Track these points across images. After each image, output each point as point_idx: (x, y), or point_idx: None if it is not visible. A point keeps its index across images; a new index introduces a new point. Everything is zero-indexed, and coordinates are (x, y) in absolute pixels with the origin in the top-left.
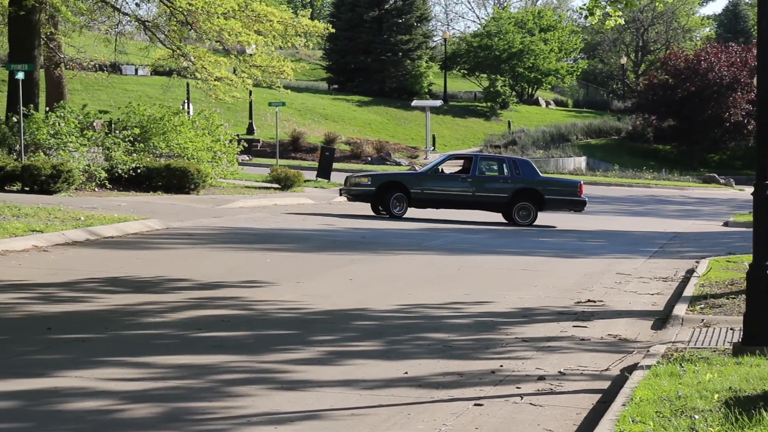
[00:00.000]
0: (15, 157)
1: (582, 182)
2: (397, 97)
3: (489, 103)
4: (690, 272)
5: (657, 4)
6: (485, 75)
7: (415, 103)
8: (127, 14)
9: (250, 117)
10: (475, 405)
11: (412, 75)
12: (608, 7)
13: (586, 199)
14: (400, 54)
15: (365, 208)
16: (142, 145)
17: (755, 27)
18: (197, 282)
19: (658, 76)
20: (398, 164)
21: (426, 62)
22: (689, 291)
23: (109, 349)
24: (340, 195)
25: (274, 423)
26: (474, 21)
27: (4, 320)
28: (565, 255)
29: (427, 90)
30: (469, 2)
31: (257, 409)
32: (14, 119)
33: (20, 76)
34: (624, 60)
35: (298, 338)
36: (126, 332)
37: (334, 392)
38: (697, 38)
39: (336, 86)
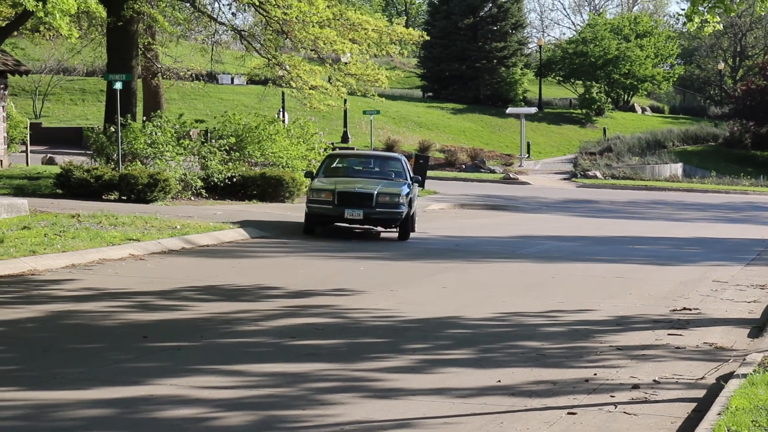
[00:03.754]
0: (113, 166)
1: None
2: (491, 105)
3: (584, 110)
4: None
5: (758, 7)
6: (580, 82)
7: (509, 110)
8: (223, 24)
9: (345, 125)
10: (569, 414)
11: (507, 82)
12: (707, 13)
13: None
14: (495, 61)
15: (460, 215)
16: (237, 153)
17: None
18: (291, 290)
19: (756, 82)
20: (493, 171)
21: (521, 69)
22: None
23: (204, 358)
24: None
25: (367, 431)
26: (569, 27)
27: (102, 328)
28: (660, 262)
29: (521, 97)
30: (564, 9)
31: (350, 417)
32: (112, 129)
33: (118, 86)
34: (721, 65)
35: (391, 346)
36: (220, 340)
37: (427, 400)
38: None
39: (430, 94)
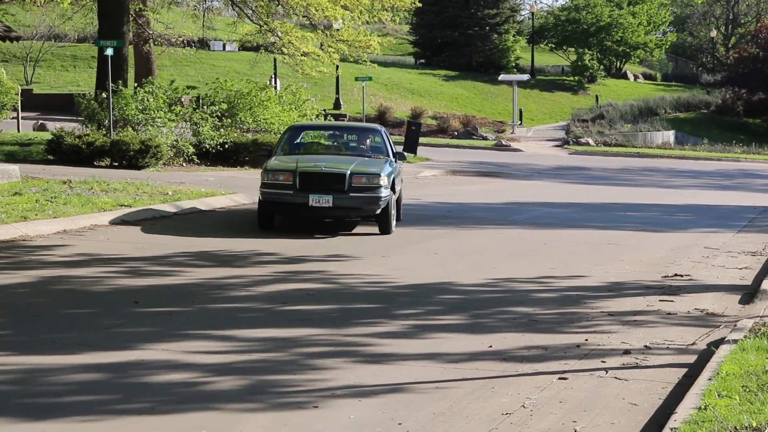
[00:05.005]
0: (104, 132)
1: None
2: (484, 72)
3: (576, 77)
4: None
5: None
6: (573, 49)
7: (502, 77)
8: None
9: (337, 92)
10: (560, 379)
11: (500, 49)
12: None
13: None
14: (487, 28)
15: (452, 181)
16: (229, 120)
17: None
18: (283, 256)
19: (749, 49)
20: (485, 138)
21: (513, 36)
22: None
23: (195, 323)
24: None
25: (358, 395)
26: None
27: (93, 294)
28: (652, 229)
29: (514, 64)
30: None
31: (341, 381)
32: (103, 95)
33: (109, 52)
34: (714, 33)
35: (383, 312)
36: (212, 306)
37: (418, 365)
38: None
39: (423, 61)
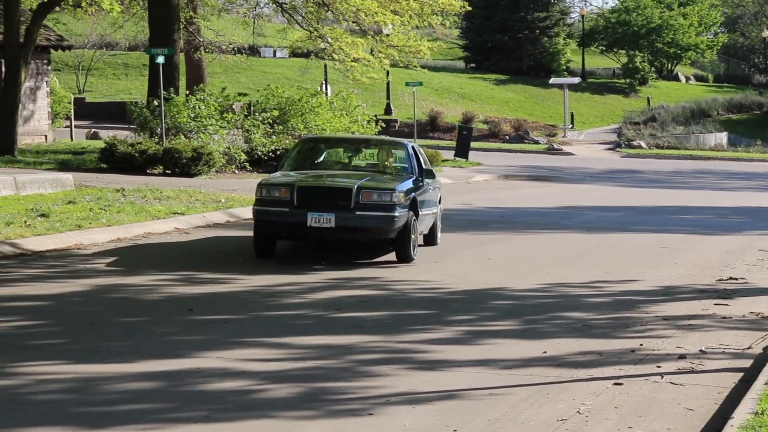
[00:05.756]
0: (156, 140)
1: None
2: (534, 75)
3: (627, 80)
4: None
5: None
6: (623, 51)
7: (552, 80)
8: None
9: (388, 97)
10: (615, 384)
11: (550, 52)
12: None
13: None
14: (537, 31)
15: (504, 186)
16: (280, 126)
17: None
18: (335, 262)
19: None
20: (536, 142)
21: (563, 39)
22: None
23: (249, 330)
24: None
25: (412, 402)
26: None
27: (147, 302)
28: (706, 232)
29: (564, 67)
30: None
31: (395, 388)
32: (155, 103)
33: (160, 60)
34: (765, 33)
35: (436, 318)
36: (265, 313)
37: (472, 372)
38: None
39: (473, 65)
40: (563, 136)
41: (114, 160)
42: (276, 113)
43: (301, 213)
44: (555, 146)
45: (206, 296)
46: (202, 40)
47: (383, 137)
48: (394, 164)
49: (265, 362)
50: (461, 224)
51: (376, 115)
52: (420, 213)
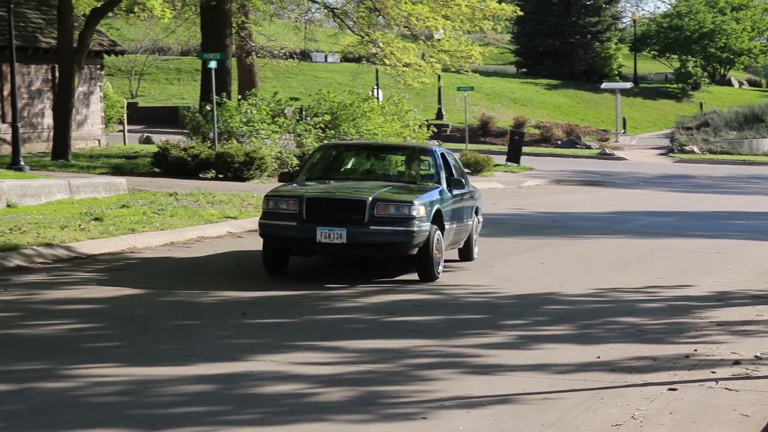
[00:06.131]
0: (209, 144)
1: None
2: (586, 80)
3: (680, 85)
4: None
5: None
6: (676, 56)
7: (604, 85)
8: (316, 2)
9: (439, 102)
10: (669, 389)
11: (602, 57)
12: None
13: None
14: (589, 36)
15: (556, 191)
16: (332, 131)
17: None
18: (388, 266)
19: None
20: (588, 147)
21: (615, 44)
22: None
23: (303, 334)
24: None
25: (466, 407)
26: (663, 1)
27: (201, 305)
28: (760, 237)
29: (616, 72)
30: None
31: (449, 392)
32: (207, 108)
33: (213, 65)
34: None
35: (489, 322)
36: (319, 317)
37: (526, 376)
38: None
39: (524, 70)
40: (615, 141)
41: (167, 165)
42: (327, 118)
43: (309, 227)
44: (607, 151)
45: (259, 300)
46: (253, 44)
47: (409, 143)
48: (421, 172)
49: (318, 366)
50: (514, 229)
51: (427, 120)
52: (446, 226)
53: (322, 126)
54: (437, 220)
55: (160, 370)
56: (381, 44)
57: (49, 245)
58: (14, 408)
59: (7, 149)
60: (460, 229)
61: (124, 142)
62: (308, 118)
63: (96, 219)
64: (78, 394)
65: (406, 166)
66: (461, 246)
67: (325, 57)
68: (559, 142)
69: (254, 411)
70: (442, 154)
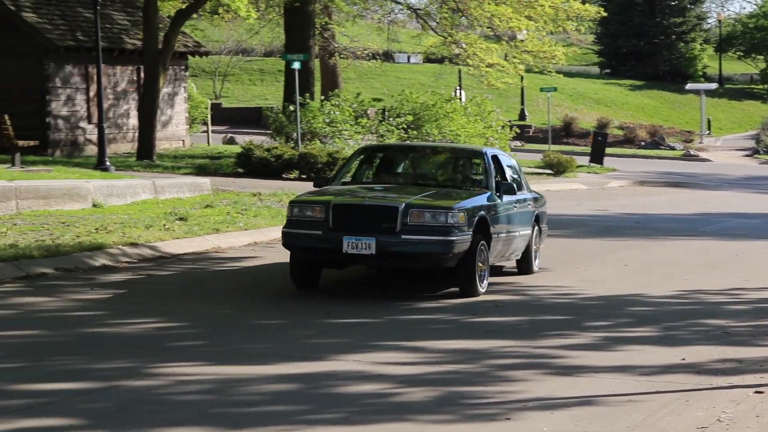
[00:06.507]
0: (292, 145)
1: None
2: (670, 81)
3: (766, 85)
4: None
5: None
6: (762, 56)
7: (689, 86)
8: (399, 3)
9: (522, 103)
10: (756, 392)
11: (686, 58)
12: None
13: None
14: (674, 37)
15: (640, 192)
16: (415, 132)
17: None
18: None
19: None
20: (672, 148)
21: (700, 44)
22: None
23: (385, 334)
24: None
25: (550, 408)
26: (749, 1)
27: (284, 305)
28: None
29: (701, 73)
30: None
31: (532, 393)
32: (291, 108)
33: (296, 66)
34: None
35: (573, 324)
36: (401, 317)
37: (610, 378)
38: None
39: (608, 70)
40: (700, 142)
41: (250, 165)
42: (410, 118)
43: (336, 237)
44: (691, 152)
45: (342, 300)
46: (336, 45)
47: (457, 144)
48: (470, 176)
49: (401, 366)
50: (597, 230)
51: (510, 121)
52: (493, 236)
53: (405, 127)
54: (482, 228)
55: (244, 369)
56: (464, 45)
57: (134, 245)
58: (101, 406)
59: (93, 150)
60: (512, 239)
61: (208, 143)
62: (391, 119)
63: (180, 219)
64: (163, 393)
65: (452, 170)
66: (519, 257)
67: (408, 58)
68: (643, 144)
69: (337, 410)
70: (494, 157)
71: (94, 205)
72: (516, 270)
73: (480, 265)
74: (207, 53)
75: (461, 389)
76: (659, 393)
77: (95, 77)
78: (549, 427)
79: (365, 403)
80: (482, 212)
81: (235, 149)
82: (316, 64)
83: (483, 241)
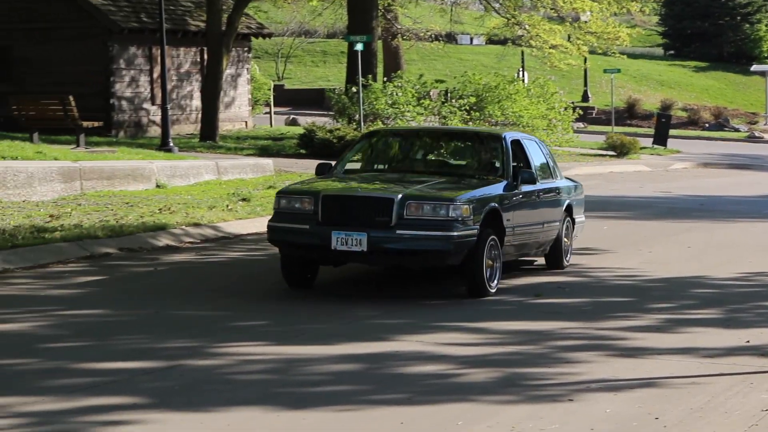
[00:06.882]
0: (354, 126)
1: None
2: (735, 62)
3: None
4: None
5: None
6: None
7: (754, 67)
8: None
9: (585, 84)
10: None
11: (751, 39)
12: None
13: None
14: (739, 18)
15: (704, 174)
16: (477, 113)
17: None
18: None
19: None
20: (737, 130)
21: (766, 25)
22: None
23: (448, 315)
24: None
25: (613, 389)
26: None
27: (346, 285)
28: None
29: (767, 54)
30: None
31: (595, 375)
32: (353, 90)
33: (359, 47)
34: None
35: (636, 305)
36: (464, 299)
37: (673, 360)
38: None
39: (672, 52)
40: (765, 124)
41: (312, 146)
42: (473, 100)
43: (324, 231)
44: (756, 134)
45: (404, 281)
46: (399, 27)
47: (473, 128)
48: (485, 163)
49: (463, 347)
50: (661, 212)
51: (573, 102)
52: (508, 230)
53: (468, 108)
54: (493, 221)
55: (307, 349)
56: (527, 26)
57: (197, 225)
58: (165, 384)
59: (157, 131)
60: (533, 232)
61: (271, 124)
62: (453, 101)
63: (243, 200)
64: (226, 372)
65: (467, 156)
66: (546, 251)
67: (471, 39)
68: (707, 125)
69: (400, 390)
70: (515, 141)
71: (158, 186)
72: (581, 251)
73: (489, 262)
74: (270, 35)
75: (523, 370)
76: (723, 375)
77: (159, 59)
78: (612, 409)
79: (427, 384)
80: (494, 203)
81: (298, 130)
82: (378, 45)
83: (494, 236)
